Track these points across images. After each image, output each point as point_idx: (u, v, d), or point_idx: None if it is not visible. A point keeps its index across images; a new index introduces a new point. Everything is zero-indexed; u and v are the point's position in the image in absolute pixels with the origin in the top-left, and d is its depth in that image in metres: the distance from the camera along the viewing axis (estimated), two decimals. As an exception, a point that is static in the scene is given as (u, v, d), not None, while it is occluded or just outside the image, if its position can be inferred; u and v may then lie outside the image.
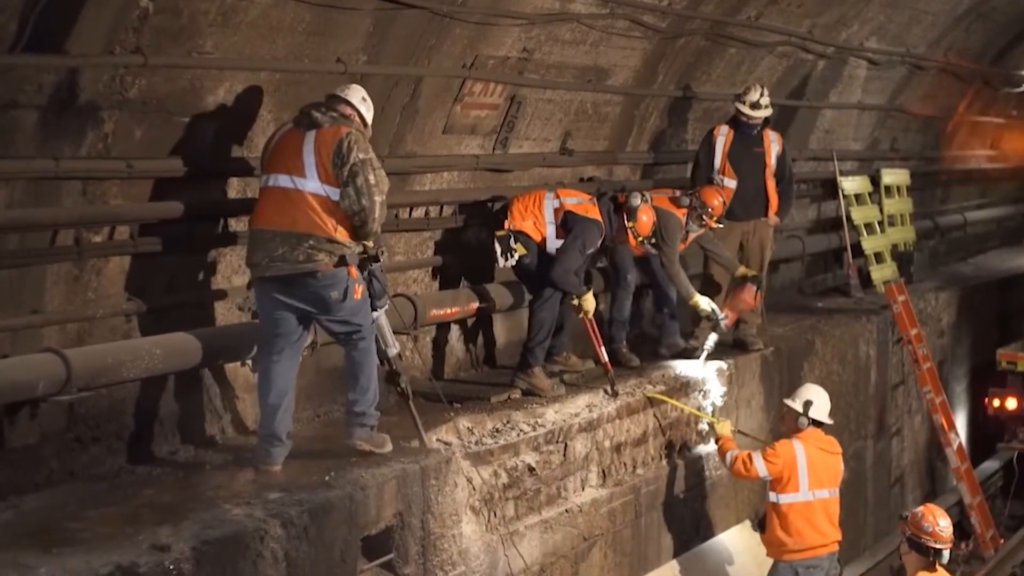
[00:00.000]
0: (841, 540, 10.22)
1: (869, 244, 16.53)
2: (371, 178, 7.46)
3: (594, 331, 10.22)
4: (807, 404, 10.02)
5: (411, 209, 9.84)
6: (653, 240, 11.11)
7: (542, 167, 11.17)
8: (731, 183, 12.07)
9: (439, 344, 10.36)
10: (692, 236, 11.46)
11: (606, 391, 10.13)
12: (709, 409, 11.10)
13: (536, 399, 9.76)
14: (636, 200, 10.42)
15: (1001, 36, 19.29)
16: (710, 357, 11.39)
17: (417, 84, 9.29)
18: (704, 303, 11.31)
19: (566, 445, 9.39)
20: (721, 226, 11.55)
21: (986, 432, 18.10)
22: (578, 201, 10.11)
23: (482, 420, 9.09)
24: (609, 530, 9.78)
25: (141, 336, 7.63)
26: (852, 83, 16.33)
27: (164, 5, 7.03)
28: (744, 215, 12.14)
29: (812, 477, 9.92)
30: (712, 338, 11.37)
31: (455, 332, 10.52)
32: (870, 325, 14.69)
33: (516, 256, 9.95)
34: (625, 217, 10.38)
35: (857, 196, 16.67)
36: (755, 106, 12.04)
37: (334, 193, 7.48)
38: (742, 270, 11.89)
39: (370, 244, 7.67)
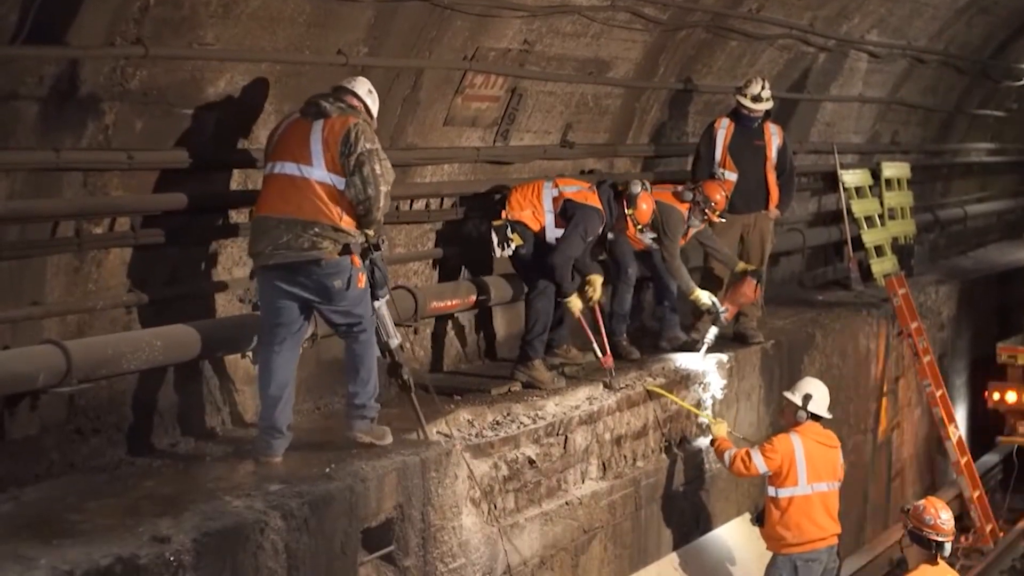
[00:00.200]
0: (840, 533, 10.22)
1: (869, 237, 16.51)
2: (377, 168, 7.48)
3: (587, 328, 10.21)
4: (806, 398, 10.02)
5: (412, 201, 9.83)
6: (655, 235, 11.17)
7: (543, 159, 11.17)
8: (732, 176, 12.07)
9: (439, 336, 10.36)
10: (692, 231, 11.46)
11: (605, 384, 10.13)
12: (709, 403, 11.11)
13: (536, 392, 9.75)
14: (636, 188, 10.42)
15: (1002, 29, 19.27)
16: (710, 350, 11.39)
17: (418, 76, 9.28)
18: (705, 297, 11.32)
19: (566, 438, 9.40)
20: (724, 220, 11.56)
21: (986, 425, 18.10)
22: (577, 189, 10.11)
23: (482, 412, 9.09)
24: (609, 523, 9.78)
25: (141, 328, 7.63)
26: (853, 76, 16.32)
27: (165, -4, 7.03)
28: (745, 208, 12.13)
29: (811, 470, 9.92)
30: (712, 331, 11.36)
31: (455, 324, 10.51)
32: (870, 318, 14.69)
33: (512, 247, 9.95)
34: (625, 205, 10.38)
35: (857, 189, 16.66)
36: (756, 99, 12.05)
37: (340, 182, 7.49)
38: (741, 265, 11.89)
39: (371, 233, 7.67)
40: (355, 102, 7.74)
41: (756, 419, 11.93)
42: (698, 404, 10.98)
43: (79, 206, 7.19)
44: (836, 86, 16.06)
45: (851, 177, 16.56)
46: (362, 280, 7.64)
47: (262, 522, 6.63)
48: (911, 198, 18.10)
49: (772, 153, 12.27)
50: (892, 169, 17.64)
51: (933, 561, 8.28)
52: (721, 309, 11.36)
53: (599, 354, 10.22)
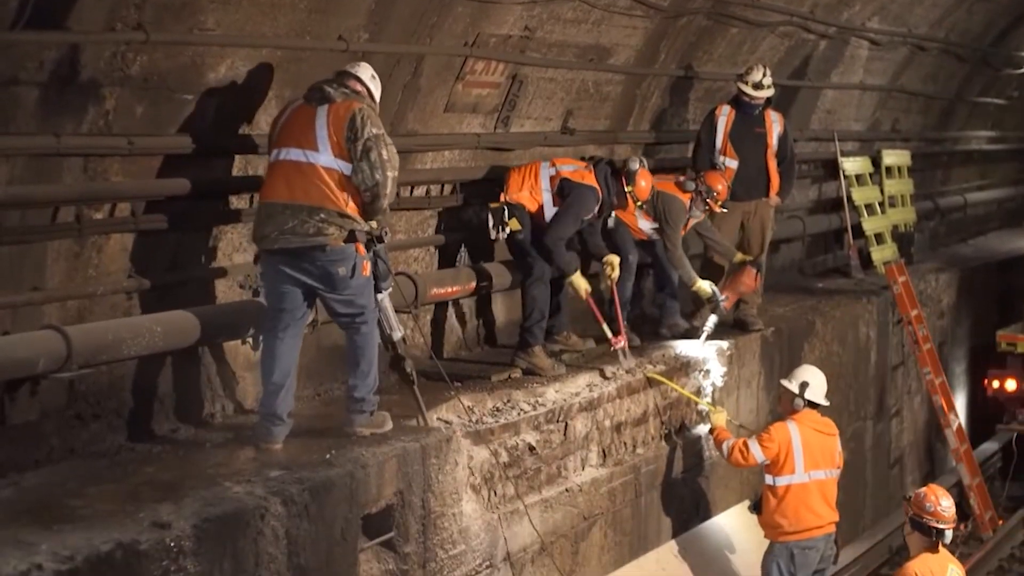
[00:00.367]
0: (838, 521, 10.22)
1: (870, 225, 16.51)
2: (384, 153, 7.48)
3: (596, 308, 10.22)
4: (803, 386, 10.02)
5: (412, 188, 9.82)
6: (656, 225, 11.19)
7: (543, 146, 11.15)
8: (732, 163, 12.08)
9: (439, 323, 10.36)
10: (692, 222, 11.47)
11: (621, 357, 10.19)
12: (709, 391, 11.11)
13: (536, 378, 9.75)
14: (634, 164, 10.43)
15: (1002, 17, 19.25)
16: (710, 338, 11.40)
17: (419, 62, 9.27)
18: (706, 287, 11.34)
19: (566, 424, 9.40)
20: (726, 211, 11.59)
21: (985, 413, 18.11)
22: (574, 169, 10.12)
23: (482, 399, 9.09)
24: (609, 509, 9.78)
25: (142, 313, 7.62)
26: (854, 63, 16.30)
27: (166, -19, 7.02)
28: (745, 195, 12.13)
29: (808, 458, 9.92)
30: (712, 320, 11.38)
31: (455, 311, 10.51)
32: (870, 306, 14.69)
33: (508, 230, 9.94)
34: (624, 182, 10.38)
35: (858, 177, 16.65)
36: (757, 86, 12.04)
37: (346, 167, 7.48)
38: (739, 257, 11.92)
39: (374, 225, 7.67)
40: (359, 87, 7.73)
41: (756, 406, 11.94)
42: (698, 391, 10.98)
43: (79, 191, 7.18)
44: (837, 73, 16.05)
45: (851, 165, 16.55)
46: (367, 268, 7.64)
47: (262, 508, 6.62)
48: (911, 186, 18.10)
49: (773, 140, 12.27)
50: (892, 157, 17.64)
51: (934, 548, 8.28)
52: (721, 298, 11.37)
53: (610, 334, 10.23)
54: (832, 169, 16.46)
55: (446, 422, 8.48)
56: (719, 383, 11.24)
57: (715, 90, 13.40)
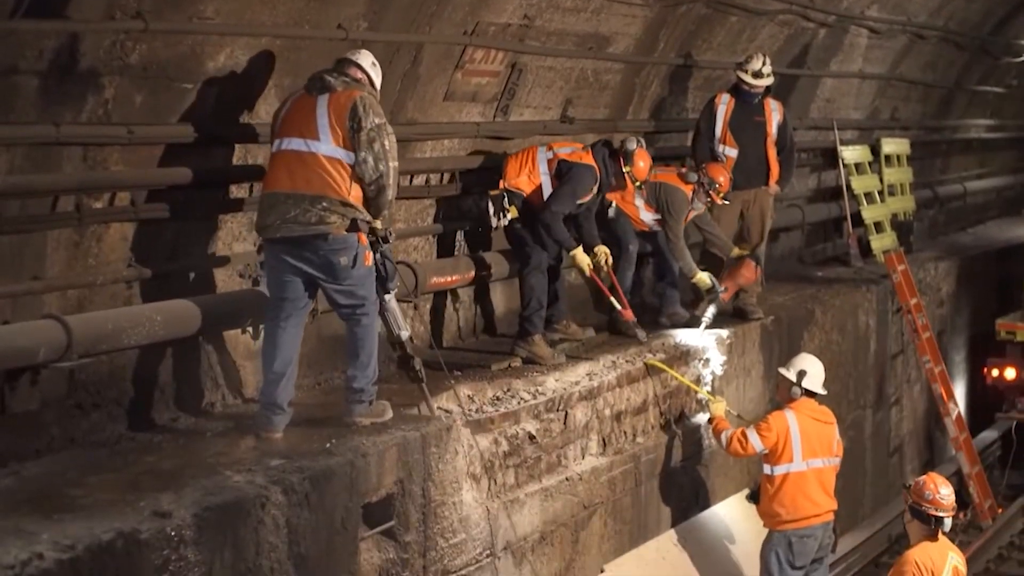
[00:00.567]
0: (836, 509, 10.22)
1: (869, 213, 16.51)
2: (387, 143, 7.49)
3: (601, 282, 10.24)
4: (801, 374, 10.03)
5: (412, 176, 9.81)
6: (658, 216, 11.20)
7: (543, 135, 11.14)
8: (732, 152, 12.08)
9: (438, 312, 10.35)
10: (693, 214, 11.48)
11: (634, 335, 10.34)
12: (709, 379, 11.11)
13: (536, 367, 9.75)
14: (631, 144, 10.43)
15: (1001, 5, 19.23)
16: (710, 327, 11.40)
17: (418, 51, 9.26)
18: (706, 279, 11.35)
19: (566, 413, 9.40)
20: (728, 203, 11.60)
21: (985, 402, 18.12)
22: (571, 150, 10.13)
23: (482, 388, 9.09)
24: (609, 498, 9.79)
25: (142, 303, 7.62)
26: (853, 52, 16.29)
27: (165, -30, 7.00)
28: (745, 184, 12.13)
29: (806, 447, 9.92)
30: (711, 311, 11.40)
31: (455, 300, 10.50)
32: (869, 295, 14.70)
33: (508, 217, 9.94)
34: (622, 162, 10.38)
35: (857, 165, 16.65)
36: (757, 75, 12.04)
37: (347, 156, 7.48)
38: (736, 251, 11.92)
39: (379, 225, 7.67)
40: (359, 75, 7.74)
41: (756, 395, 11.94)
42: (698, 380, 10.98)
43: (79, 181, 7.17)
44: (836, 62, 16.04)
45: (851, 153, 16.55)
46: (368, 259, 7.63)
47: (263, 497, 6.63)
48: (910, 174, 18.09)
49: (772, 129, 12.27)
50: (892, 145, 17.64)
51: (933, 536, 8.29)
52: (720, 289, 11.39)
53: (618, 306, 10.26)
54: (831, 158, 16.45)
55: (446, 411, 8.48)
56: (719, 372, 11.24)
57: (714, 79, 13.39)
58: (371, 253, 7.65)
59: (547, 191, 9.97)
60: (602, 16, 10.92)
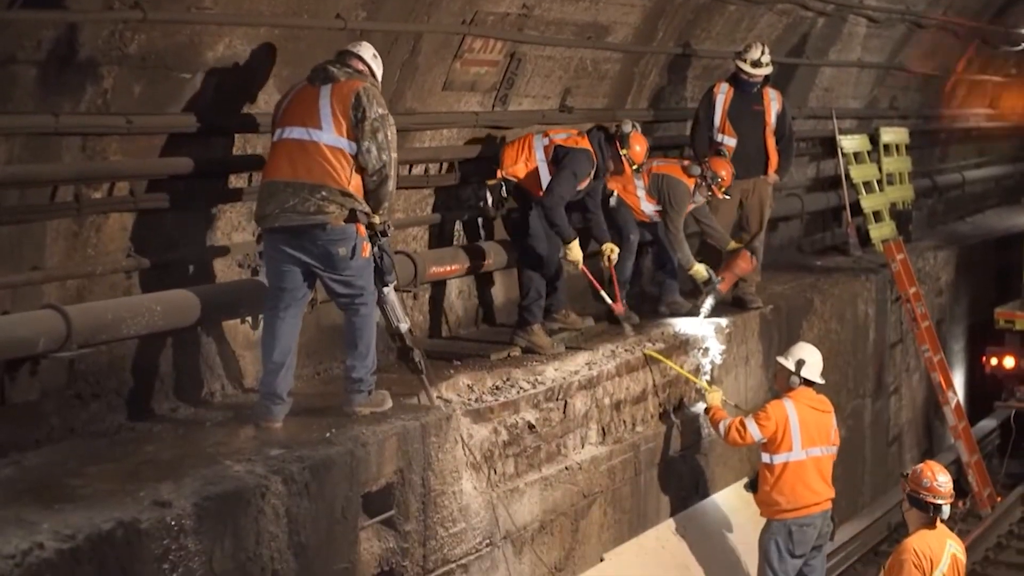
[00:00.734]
0: (835, 498, 10.23)
1: (868, 203, 16.52)
2: (389, 134, 7.52)
3: (592, 277, 10.23)
4: (799, 363, 10.03)
5: (411, 166, 9.81)
6: (659, 208, 11.21)
7: (542, 124, 11.13)
8: (731, 141, 12.08)
9: (438, 301, 10.36)
10: (692, 207, 11.49)
11: (631, 325, 10.32)
12: (708, 368, 11.11)
13: (536, 357, 9.76)
14: (627, 127, 10.43)
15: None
16: (709, 316, 11.41)
17: (417, 40, 9.25)
18: (703, 270, 11.37)
19: (566, 403, 9.40)
20: (728, 197, 11.61)
21: (984, 391, 18.13)
22: (567, 136, 10.12)
23: (482, 377, 9.09)
24: (609, 487, 9.80)
25: (141, 293, 7.62)
26: (852, 41, 16.27)
27: (163, -40, 7.00)
28: (744, 173, 12.13)
29: (804, 436, 9.93)
30: (708, 302, 11.41)
31: (454, 289, 10.51)
32: (868, 284, 14.70)
33: (506, 207, 9.94)
34: (618, 146, 10.38)
35: (856, 155, 16.64)
36: (756, 64, 12.05)
37: (349, 146, 7.49)
38: (732, 244, 11.94)
39: (377, 220, 7.67)
40: (361, 66, 7.75)
41: (755, 384, 11.95)
42: (697, 369, 10.99)
43: (78, 171, 7.17)
44: (835, 51, 16.02)
45: (850, 142, 16.55)
46: (366, 249, 7.64)
47: (263, 487, 6.64)
48: (909, 163, 18.10)
49: (771, 118, 12.27)
50: (890, 134, 17.64)
51: (932, 524, 8.30)
52: (717, 280, 11.41)
53: (608, 300, 10.26)
54: (830, 147, 16.45)
55: (446, 400, 8.49)
56: (718, 361, 11.25)
57: (713, 68, 13.38)
58: (369, 244, 7.65)
59: (544, 178, 9.95)
60: (601, 5, 10.91)
